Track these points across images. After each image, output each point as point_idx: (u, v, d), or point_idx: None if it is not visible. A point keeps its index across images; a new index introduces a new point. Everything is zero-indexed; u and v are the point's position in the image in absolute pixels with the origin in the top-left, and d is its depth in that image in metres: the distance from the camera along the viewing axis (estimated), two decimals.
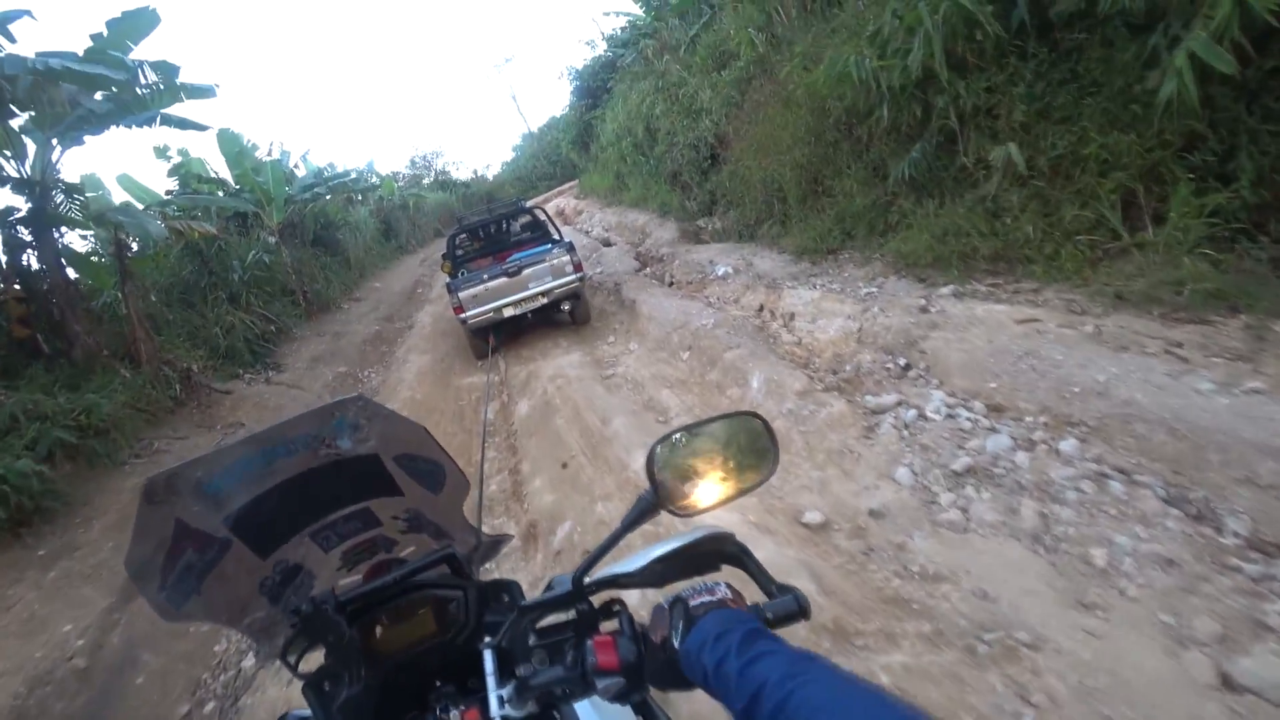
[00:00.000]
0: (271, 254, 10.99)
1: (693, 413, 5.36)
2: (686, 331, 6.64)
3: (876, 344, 5.29)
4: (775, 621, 0.79)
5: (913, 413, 4.23)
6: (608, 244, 13.25)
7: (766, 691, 0.61)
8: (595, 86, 21.25)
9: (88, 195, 9.94)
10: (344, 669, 0.95)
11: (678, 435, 0.90)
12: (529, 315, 7.90)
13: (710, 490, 0.90)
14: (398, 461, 1.10)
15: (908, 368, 4.87)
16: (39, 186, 7.04)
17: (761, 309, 7.06)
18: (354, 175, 18.62)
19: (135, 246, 10.54)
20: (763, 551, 3.49)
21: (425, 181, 32.86)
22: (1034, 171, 5.34)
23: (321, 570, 1.18)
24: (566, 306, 8.14)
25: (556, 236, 9.12)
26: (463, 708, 0.90)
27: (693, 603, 0.79)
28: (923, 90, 6.27)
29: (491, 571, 3.74)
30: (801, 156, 8.45)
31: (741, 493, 0.92)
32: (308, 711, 0.96)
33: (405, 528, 1.24)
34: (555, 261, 7.74)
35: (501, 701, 0.84)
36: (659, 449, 0.88)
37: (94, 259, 9.29)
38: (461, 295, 7.62)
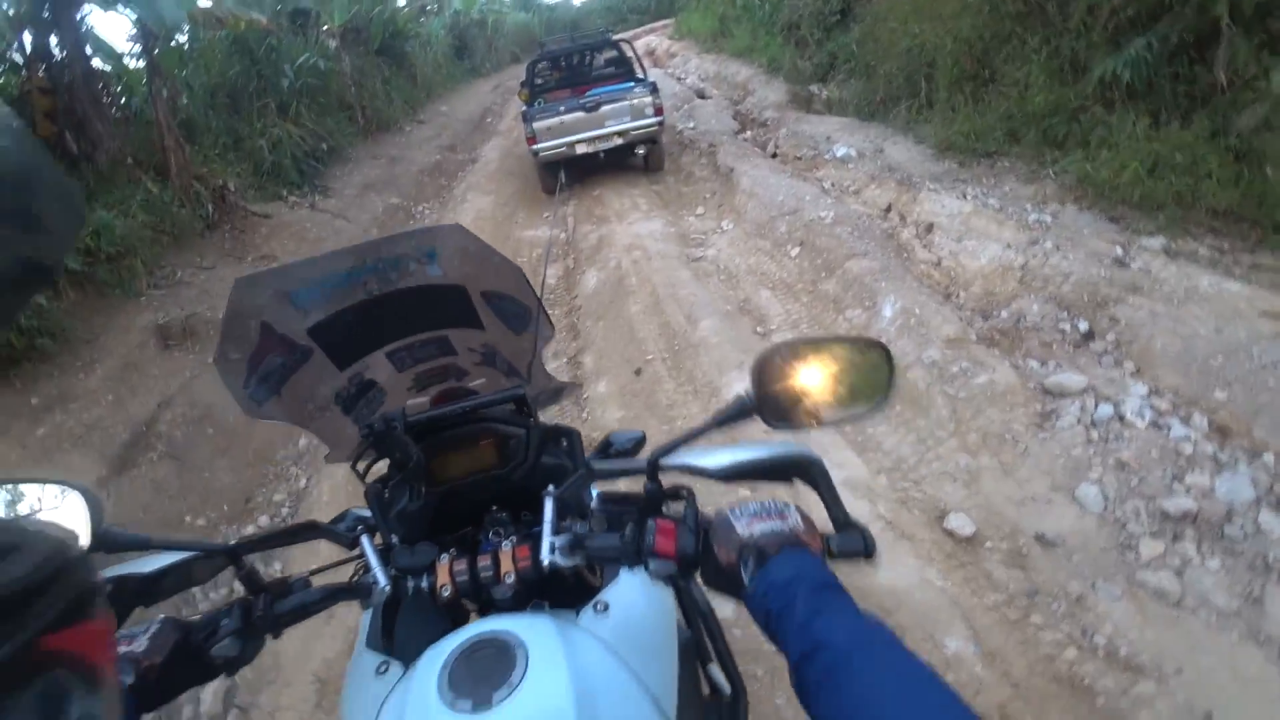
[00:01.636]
0: (329, 60, 9.68)
1: (800, 330, 4.30)
2: (797, 221, 5.41)
3: (1047, 292, 4.05)
4: (839, 554, 0.78)
5: (1106, 409, 3.10)
6: (702, 95, 11.56)
7: (825, 651, 0.60)
8: None
9: None
10: (406, 484, 0.99)
11: (792, 344, 0.83)
12: (601, 154, 7.42)
13: (812, 409, 0.82)
14: (485, 296, 1.08)
15: (1090, 336, 3.68)
16: None
17: (890, 209, 5.74)
18: None
19: (181, 39, 9.38)
20: (899, 570, 2.58)
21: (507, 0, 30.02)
22: None
23: (394, 388, 1.18)
24: (641, 150, 7.67)
25: (640, 75, 8.28)
26: (515, 540, 0.90)
27: (761, 530, 0.76)
28: None
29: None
30: (967, 28, 6.70)
31: (843, 420, 0.88)
32: (367, 512, 0.99)
33: (479, 360, 1.22)
34: (636, 101, 7.17)
35: (553, 548, 0.86)
36: (769, 354, 0.81)
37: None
38: (536, 125, 7.15)
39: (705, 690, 1.15)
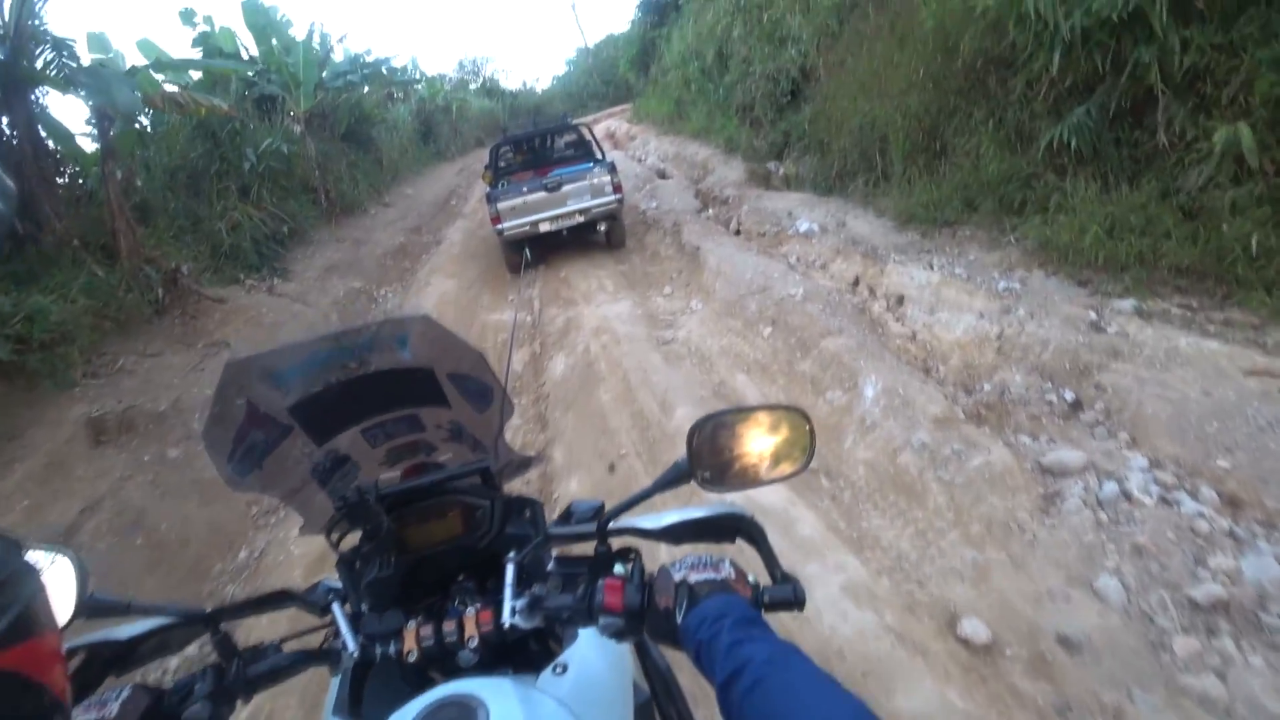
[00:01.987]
0: (294, 144, 9.58)
1: None
2: (767, 299, 5.28)
3: (1027, 362, 3.93)
4: (771, 605, 0.82)
5: (1111, 486, 2.91)
6: (663, 175, 11.71)
7: (748, 670, 0.64)
8: (664, 2, 19.14)
9: (95, 57, 8.58)
10: (377, 553, 1.00)
11: (722, 416, 0.93)
12: (564, 232, 7.63)
13: (741, 473, 0.93)
14: (450, 378, 1.14)
15: (1078, 406, 3.54)
16: (9, 36, 5.66)
17: (858, 283, 5.68)
18: (395, 68, 16.91)
19: (144, 122, 9.22)
20: (917, 696, 2.28)
21: (472, 87, 30.78)
22: (1272, 166, 3.87)
23: (366, 462, 1.20)
24: (603, 227, 7.92)
25: (599, 156, 8.57)
26: (479, 605, 0.93)
27: (696, 579, 0.82)
28: (1117, 37, 4.65)
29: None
30: (915, 104, 6.86)
31: (772, 480, 0.95)
32: (339, 583, 1.02)
33: (447, 436, 1.26)
34: (595, 180, 7.42)
35: (514, 611, 0.90)
36: (702, 424, 0.90)
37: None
38: (500, 206, 7.37)
39: None
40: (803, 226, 6.80)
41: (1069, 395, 3.60)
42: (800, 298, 5.11)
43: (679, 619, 0.78)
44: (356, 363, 1.08)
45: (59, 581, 0.79)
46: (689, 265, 6.90)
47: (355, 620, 0.96)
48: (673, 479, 0.90)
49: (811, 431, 0.93)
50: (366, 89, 16.80)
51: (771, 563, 0.89)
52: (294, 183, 9.56)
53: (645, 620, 0.84)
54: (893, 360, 4.17)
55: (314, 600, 1.00)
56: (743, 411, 0.93)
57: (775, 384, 4.40)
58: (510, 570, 0.96)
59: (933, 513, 3.02)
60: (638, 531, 0.97)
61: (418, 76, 19.12)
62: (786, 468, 0.93)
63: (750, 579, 0.85)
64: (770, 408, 0.95)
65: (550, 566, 1.01)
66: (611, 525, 0.94)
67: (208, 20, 11.60)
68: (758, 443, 0.92)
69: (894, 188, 7.01)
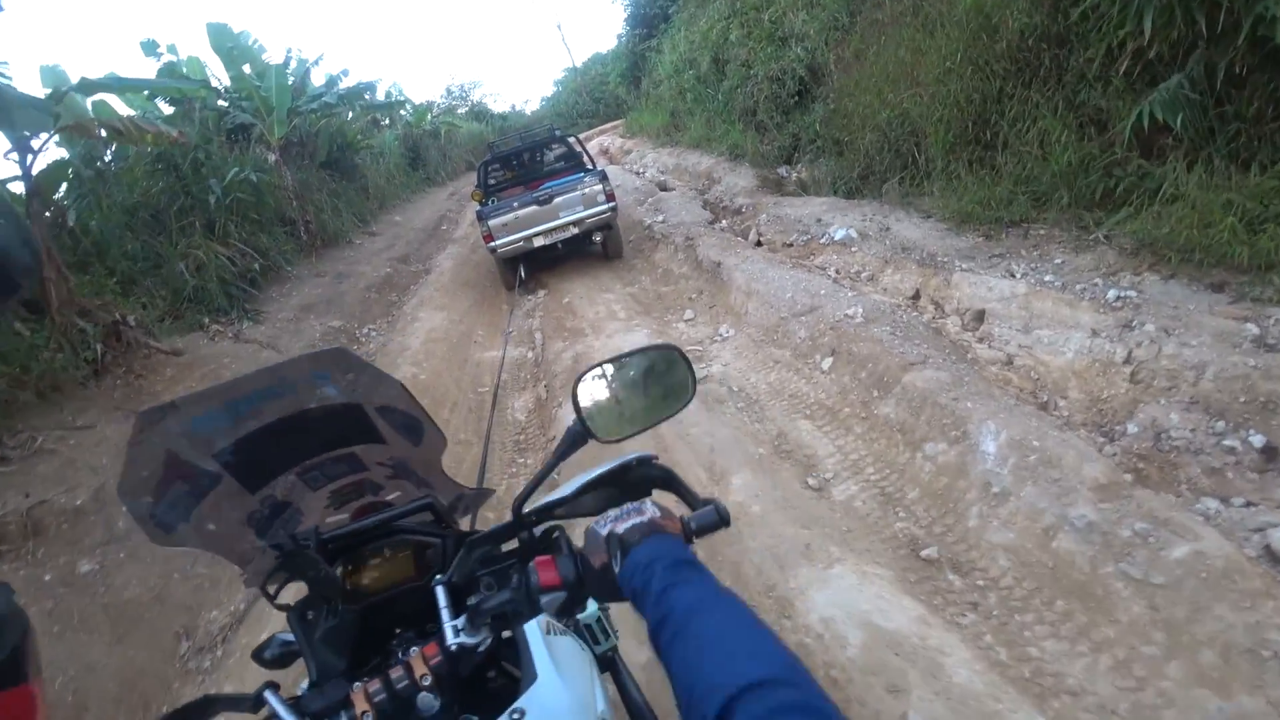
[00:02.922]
0: (265, 174, 8.66)
1: (875, 485, 3.12)
2: (818, 322, 4.33)
3: (1179, 394, 2.99)
4: (699, 530, 0.82)
5: None
6: (665, 188, 10.81)
7: (671, 618, 0.63)
8: (652, 15, 18.38)
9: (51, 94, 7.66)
10: (323, 602, 0.94)
11: (600, 367, 0.92)
12: (559, 245, 7.26)
13: (633, 419, 0.92)
14: (379, 412, 1.07)
15: (1273, 453, 2.58)
16: None
17: (918, 297, 4.74)
18: (376, 94, 16.06)
19: (110, 155, 8.31)
20: None
21: (460, 111, 30.01)
22: None
23: (309, 507, 1.13)
24: (598, 238, 7.51)
25: (589, 166, 8.17)
26: (422, 643, 0.87)
27: (623, 527, 0.79)
28: None
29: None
30: (954, 93, 5.96)
31: (662, 419, 0.95)
32: (291, 636, 0.95)
33: (390, 473, 1.19)
34: (587, 190, 7.08)
35: (456, 630, 0.84)
36: (582, 381, 0.89)
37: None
38: (491, 223, 7.01)
39: None
40: (838, 234, 5.87)
41: (1257, 439, 2.65)
42: (861, 319, 4.16)
43: (617, 569, 0.75)
44: (280, 405, 0.98)
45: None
46: (710, 284, 5.95)
47: (296, 703, 0.84)
48: (569, 444, 0.87)
49: (688, 364, 0.92)
50: (350, 115, 16.03)
51: (687, 493, 0.90)
52: (268, 215, 8.63)
53: (586, 585, 0.82)
54: (1005, 399, 3.20)
55: (242, 697, 0.86)
56: (617, 359, 0.92)
57: (852, 433, 3.44)
58: (441, 593, 0.89)
59: (1130, 631, 2.06)
60: (553, 507, 0.94)
61: (402, 100, 18.26)
62: (674, 403, 0.93)
63: (678, 514, 0.83)
64: (642, 350, 0.94)
65: (479, 572, 0.95)
66: (526, 509, 0.90)
67: (172, 49, 10.74)
68: (640, 385, 0.92)
69: (936, 186, 6.09)
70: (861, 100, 7.50)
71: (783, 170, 9.45)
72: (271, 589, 0.94)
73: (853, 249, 5.60)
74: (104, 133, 5.28)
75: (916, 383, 3.43)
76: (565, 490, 0.94)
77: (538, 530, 0.93)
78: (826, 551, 2.71)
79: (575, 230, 7.17)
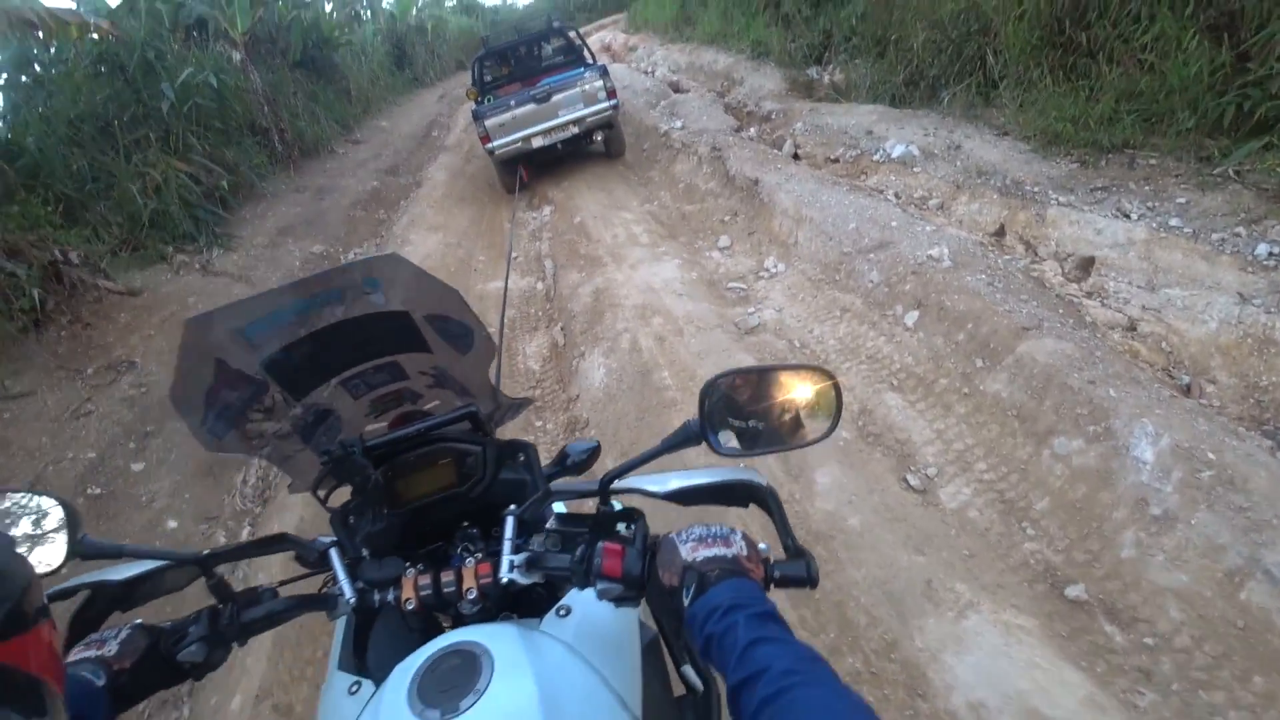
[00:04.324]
0: (228, 75, 7.45)
1: (986, 483, 2.40)
2: (893, 261, 3.48)
3: None
4: (782, 582, 0.73)
5: None
6: (679, 89, 9.57)
7: (766, 677, 0.56)
8: None
9: None
10: (368, 507, 0.95)
11: (741, 374, 0.83)
12: (559, 145, 6.83)
13: (758, 437, 0.82)
14: (428, 320, 1.03)
15: None
16: None
17: (1002, 233, 3.89)
18: None
19: (49, 58, 7.09)
20: None
21: (448, 4, 27.42)
22: None
23: (350, 415, 1.11)
24: (599, 137, 7.11)
25: (590, 61, 7.62)
26: (478, 557, 0.87)
27: (703, 556, 0.70)
28: None
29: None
30: None
31: (791, 447, 0.84)
32: (333, 537, 0.94)
33: (431, 383, 1.16)
34: (588, 87, 6.59)
35: (511, 566, 0.83)
36: (717, 382, 0.80)
37: None
38: (488, 123, 6.52)
39: (681, 690, 1.07)
40: (895, 150, 4.91)
41: None
42: (948, 263, 3.31)
43: (685, 604, 0.67)
44: (327, 312, 0.94)
45: (51, 525, 0.76)
46: (745, 205, 5.03)
47: (353, 568, 0.88)
48: (682, 440, 0.79)
49: (838, 394, 0.80)
50: (329, 6, 14.33)
51: (785, 533, 0.81)
52: (234, 123, 7.49)
53: (646, 590, 0.75)
54: (1158, 388, 2.43)
55: (311, 546, 0.91)
56: (762, 369, 0.86)
57: (952, 414, 2.69)
58: (509, 524, 0.87)
59: None
60: (640, 491, 0.90)
61: None
62: (808, 434, 0.81)
63: (762, 550, 0.74)
64: (795, 367, 0.83)
65: (550, 522, 0.91)
66: (615, 484, 0.85)
67: None
68: (778, 405, 0.80)
69: (1010, 97, 5.07)
70: None
71: (813, 71, 8.26)
72: (320, 493, 0.93)
73: (915, 169, 4.67)
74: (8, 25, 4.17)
75: (1035, 355, 2.64)
76: (659, 483, 0.90)
77: (617, 507, 0.85)
78: (952, 590, 2.02)
79: (576, 129, 6.72)
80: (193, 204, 6.12)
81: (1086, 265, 3.42)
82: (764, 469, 2.52)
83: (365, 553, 0.91)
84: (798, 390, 0.80)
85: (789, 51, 8.70)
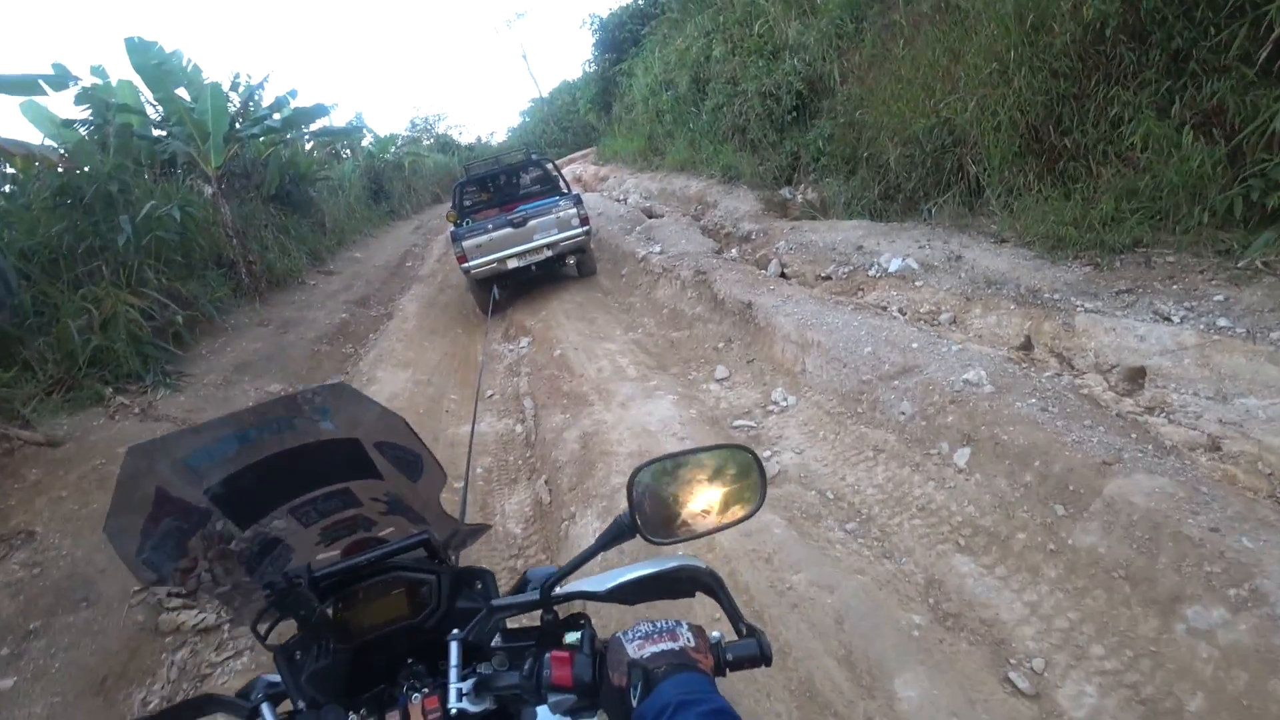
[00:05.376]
0: (193, 208, 7.13)
1: (1138, 682, 1.81)
2: (928, 391, 3.02)
3: None
4: (736, 664, 0.73)
5: None
6: (652, 214, 9.56)
7: None
8: (622, 39, 17.28)
9: None
10: (314, 642, 0.89)
11: (662, 462, 0.81)
12: (533, 268, 6.99)
13: (690, 521, 0.81)
14: (378, 447, 0.99)
15: None
16: None
17: (1029, 346, 3.51)
18: (333, 120, 14.56)
19: (10, 189, 6.73)
20: None
21: (425, 143, 28.52)
22: None
23: (300, 544, 1.04)
24: (572, 260, 7.42)
25: (564, 190, 7.82)
26: (425, 692, 0.80)
27: (650, 652, 0.68)
28: None
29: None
30: (1012, 95, 4.87)
31: (722, 527, 0.83)
32: (278, 678, 0.88)
33: (385, 509, 1.09)
34: (562, 214, 6.86)
35: (460, 694, 0.78)
36: (640, 474, 0.79)
37: None
38: (465, 244, 6.73)
39: None
40: (891, 264, 4.64)
41: None
42: (989, 386, 2.88)
43: (634, 703, 0.64)
44: (274, 440, 0.89)
45: None
46: (740, 330, 4.64)
47: None
48: (614, 536, 0.78)
49: (761, 470, 0.82)
50: (309, 146, 14.49)
51: (734, 616, 0.79)
52: (198, 257, 7.09)
53: (600, 697, 0.72)
54: None
55: (240, 702, 0.84)
56: (683, 455, 0.82)
57: (1041, 579, 2.13)
58: (454, 649, 0.82)
59: None
60: (583, 595, 0.85)
61: (361, 128, 16.69)
62: (738, 511, 0.82)
63: (712, 638, 0.73)
64: (713, 448, 0.83)
65: (496, 641, 0.88)
66: (557, 591, 0.82)
67: (97, 72, 9.20)
68: (704, 487, 0.80)
69: (997, 206, 4.94)
70: (883, 110, 6.37)
71: (786, 191, 8.29)
72: (261, 628, 0.88)
73: (916, 283, 4.37)
74: None
75: (1130, 497, 2.14)
76: (599, 583, 0.86)
77: (563, 613, 0.83)
78: None
79: (550, 253, 6.90)
80: (142, 340, 5.55)
81: (1136, 377, 3.02)
82: (825, 688, 1.90)
83: (302, 704, 0.81)
84: (721, 469, 0.79)
85: (759, 174, 8.79)
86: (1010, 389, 2.84)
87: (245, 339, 6.53)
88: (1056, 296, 3.62)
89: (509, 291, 7.49)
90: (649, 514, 0.78)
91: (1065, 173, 4.56)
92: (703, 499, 0.80)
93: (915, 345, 3.36)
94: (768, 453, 3.15)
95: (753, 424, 3.50)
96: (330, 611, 0.89)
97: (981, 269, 4.13)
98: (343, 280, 9.41)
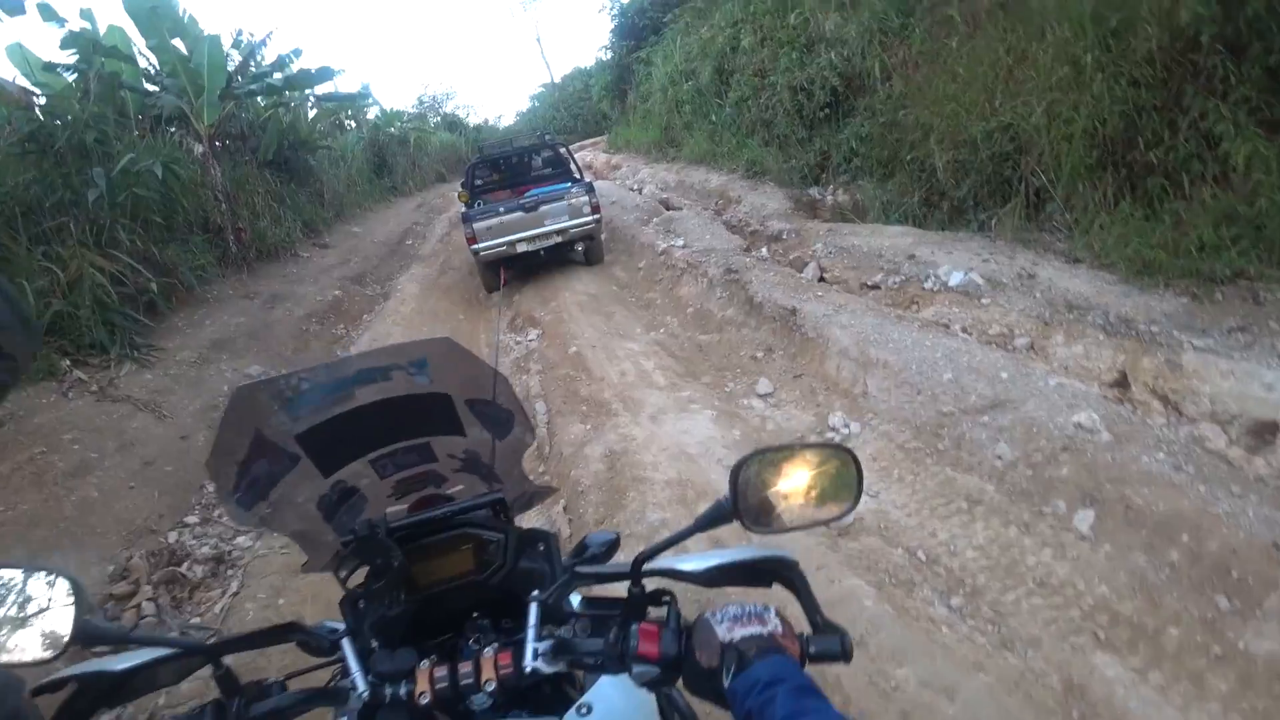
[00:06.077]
0: (182, 167, 6.54)
1: None
2: (1030, 435, 2.51)
3: None
4: (816, 657, 0.72)
5: None
6: (670, 207, 9.02)
7: None
8: (642, 26, 16.67)
9: None
10: (386, 591, 0.90)
11: (766, 454, 0.80)
12: (542, 252, 6.95)
13: (787, 513, 0.81)
14: (469, 404, 1.02)
15: None
16: None
17: (1125, 382, 3.02)
18: (338, 86, 13.89)
19: None
20: None
21: (432, 121, 27.75)
22: None
23: (374, 495, 1.08)
24: (580, 247, 7.33)
25: (577, 176, 7.66)
26: (497, 646, 0.81)
27: (741, 634, 0.69)
28: None
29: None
30: (1082, 103, 4.41)
31: (818, 522, 0.83)
32: (340, 625, 0.88)
33: (459, 466, 1.12)
34: (574, 201, 6.76)
35: (536, 654, 0.78)
36: (745, 461, 0.78)
37: None
38: (476, 226, 6.62)
39: None
40: (952, 278, 4.14)
41: None
42: (1105, 434, 2.38)
43: (726, 682, 0.66)
44: (370, 390, 0.93)
45: (58, 603, 0.71)
46: (782, 339, 4.13)
47: (364, 658, 0.82)
48: (714, 518, 0.77)
49: (859, 470, 0.81)
50: (314, 112, 13.79)
51: (812, 609, 0.78)
52: (181, 219, 6.49)
53: (683, 671, 0.73)
54: None
55: (322, 635, 0.84)
56: (787, 449, 0.81)
57: (1209, 694, 1.65)
58: (534, 610, 0.82)
59: None
60: (672, 573, 0.84)
61: (368, 96, 15.97)
62: (834, 508, 0.82)
63: (797, 631, 0.73)
64: (816, 446, 0.82)
65: (576, 607, 0.87)
66: (646, 566, 0.80)
67: (85, 15, 8.52)
68: (803, 482, 0.80)
69: (1061, 222, 4.46)
70: (932, 111, 5.86)
71: (815, 191, 7.79)
72: (342, 574, 0.89)
73: (983, 300, 3.87)
74: None
75: None
76: (691, 563, 0.84)
77: (649, 586, 0.80)
78: None
79: (559, 239, 6.83)
80: (109, 307, 4.97)
81: (1264, 432, 2.53)
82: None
83: (375, 643, 0.85)
84: (819, 466, 0.81)
85: (785, 171, 8.27)
86: (1130, 439, 2.35)
87: (228, 312, 5.95)
88: (1156, 329, 3.13)
89: (514, 273, 7.36)
90: (748, 502, 0.77)
91: (1150, 191, 4.08)
92: (801, 492, 0.80)
93: (1005, 375, 2.86)
94: None
95: None
96: (403, 561, 0.89)
97: (1060, 291, 3.64)
98: (338, 255, 8.81)
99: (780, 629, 0.71)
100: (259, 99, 9.12)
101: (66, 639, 0.70)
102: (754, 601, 0.74)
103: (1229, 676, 1.71)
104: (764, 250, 6.14)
